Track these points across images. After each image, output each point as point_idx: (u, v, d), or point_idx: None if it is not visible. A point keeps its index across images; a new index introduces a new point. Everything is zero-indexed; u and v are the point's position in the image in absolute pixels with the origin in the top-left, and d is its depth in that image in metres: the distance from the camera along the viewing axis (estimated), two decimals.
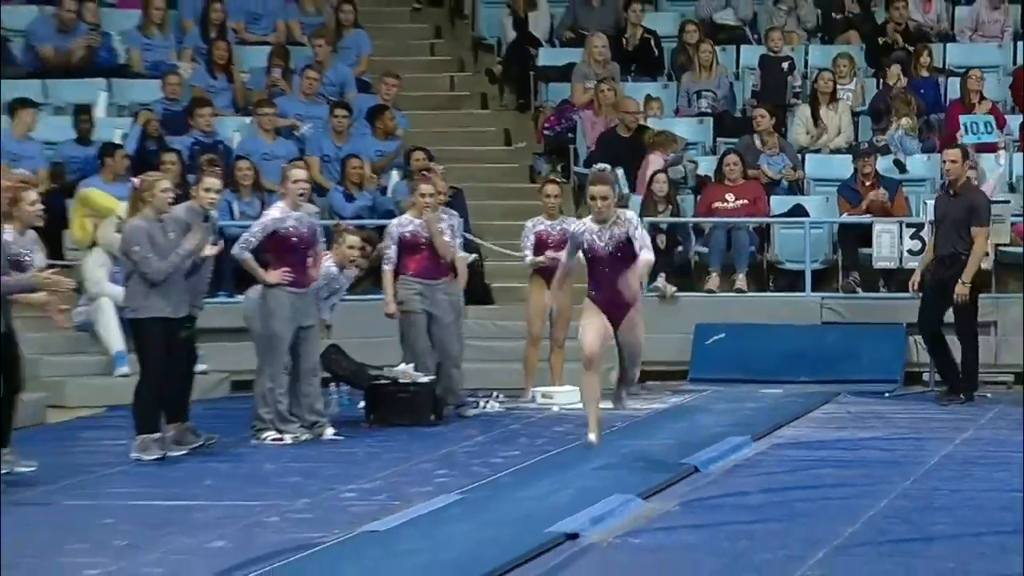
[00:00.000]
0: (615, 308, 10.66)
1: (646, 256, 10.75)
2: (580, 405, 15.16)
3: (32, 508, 11.66)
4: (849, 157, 18.57)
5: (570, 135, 20.26)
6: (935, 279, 16.02)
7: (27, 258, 11.74)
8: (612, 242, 10.49)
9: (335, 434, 14.25)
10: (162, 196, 12.52)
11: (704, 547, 9.29)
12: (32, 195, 12.11)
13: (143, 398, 13.04)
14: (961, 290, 15.45)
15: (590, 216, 10.70)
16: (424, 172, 16.23)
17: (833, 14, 22.01)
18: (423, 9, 24.45)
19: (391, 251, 13.45)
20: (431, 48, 24.14)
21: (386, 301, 14.42)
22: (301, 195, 13.75)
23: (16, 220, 11.85)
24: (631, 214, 11.10)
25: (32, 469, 12.47)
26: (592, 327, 10.88)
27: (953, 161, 16.01)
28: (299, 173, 14.28)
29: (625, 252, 10.49)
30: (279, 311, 13.82)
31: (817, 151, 19.71)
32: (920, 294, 16.26)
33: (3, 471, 12.24)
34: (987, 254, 16.18)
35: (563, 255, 11.39)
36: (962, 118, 18.32)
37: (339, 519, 10.50)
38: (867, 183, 17.66)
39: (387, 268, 14.21)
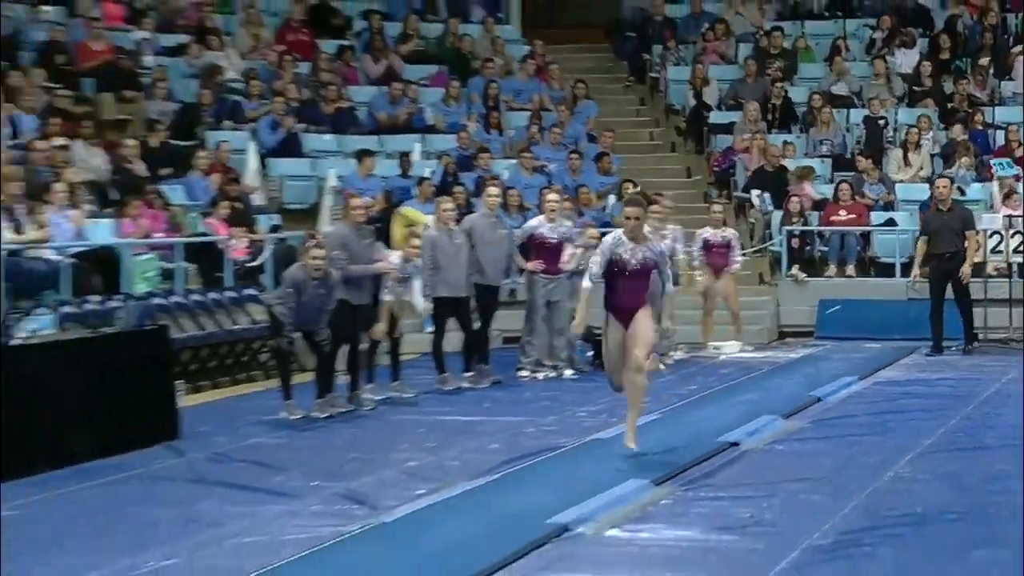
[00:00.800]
0: (628, 312, 10.99)
1: (668, 289, 12.06)
2: (740, 354, 19.61)
3: (370, 421, 14.82)
4: (926, 185, 22.14)
5: (731, 171, 24.61)
6: (940, 270, 19.02)
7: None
8: (639, 260, 10.96)
9: (572, 374, 17.45)
10: (446, 213, 16.30)
11: (826, 452, 11.83)
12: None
13: (436, 348, 16.45)
14: (967, 273, 18.79)
15: (622, 231, 11.14)
16: (639, 197, 14.74)
17: (915, 87, 25.99)
18: (632, 85, 28.86)
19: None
20: (636, 112, 28.68)
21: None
22: (552, 211, 17.10)
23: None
24: (661, 246, 11.76)
25: (412, 395, 15.88)
26: (613, 344, 11.19)
27: (945, 187, 19.49)
28: (553, 196, 17.98)
29: (646, 270, 11.05)
30: (535, 289, 17.17)
31: (904, 181, 23.62)
32: (920, 280, 19.55)
33: (392, 396, 15.68)
34: (978, 250, 19.72)
35: (590, 273, 11.30)
36: (992, 160, 22.45)
37: (575, 430, 13.39)
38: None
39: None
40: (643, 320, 10.88)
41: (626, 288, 10.92)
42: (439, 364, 16.52)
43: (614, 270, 11.00)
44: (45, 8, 25.16)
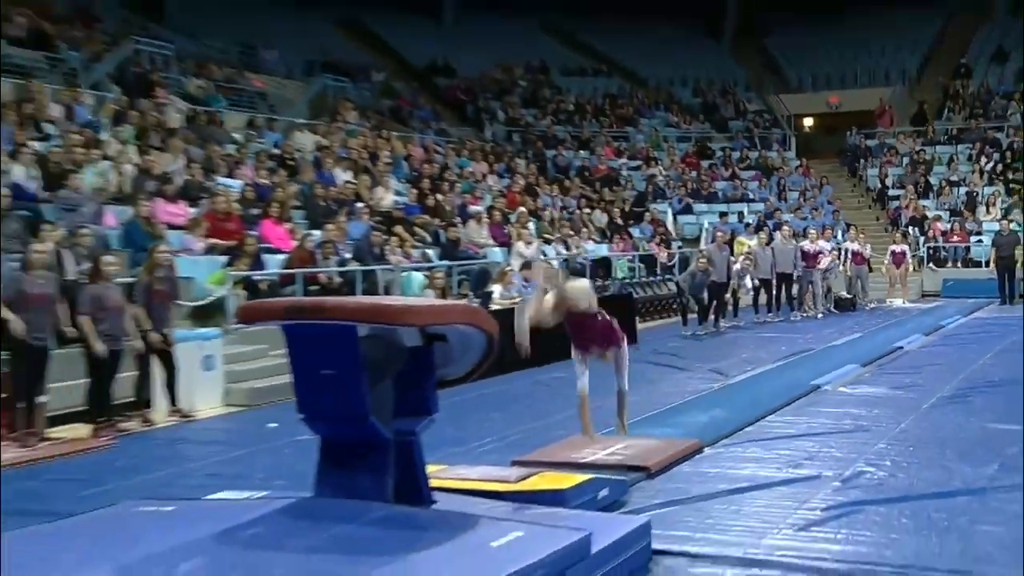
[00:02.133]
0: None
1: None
2: (904, 304, 28.16)
3: (724, 336, 21.59)
4: (997, 224, 30.88)
5: (900, 217, 33.49)
6: (1002, 265, 27.81)
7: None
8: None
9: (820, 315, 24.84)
10: (760, 239, 27.62)
11: (884, 392, 13.63)
12: None
13: (755, 303, 24.92)
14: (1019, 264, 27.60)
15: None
16: None
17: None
18: (849, 178, 38.08)
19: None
20: (852, 189, 37.47)
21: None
22: (812, 239, 27.74)
23: None
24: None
25: (742, 324, 22.97)
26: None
27: (1006, 223, 28.64)
28: (812, 231, 31.69)
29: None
30: (805, 274, 25.26)
31: (988, 220, 32.00)
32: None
33: (734, 325, 22.53)
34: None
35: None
36: None
37: (820, 341, 19.07)
38: None
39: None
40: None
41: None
42: (756, 311, 24.45)
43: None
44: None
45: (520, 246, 21.90)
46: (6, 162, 16.64)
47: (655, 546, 6.84)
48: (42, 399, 11.90)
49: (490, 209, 24.37)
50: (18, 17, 25.02)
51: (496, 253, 21.75)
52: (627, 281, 25.22)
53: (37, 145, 18.15)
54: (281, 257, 17.48)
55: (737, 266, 23.73)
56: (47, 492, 9.30)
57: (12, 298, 11.75)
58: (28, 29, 24.95)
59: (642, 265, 27.25)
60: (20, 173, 16.54)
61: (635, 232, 29.46)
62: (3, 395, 11.76)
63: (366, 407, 6.67)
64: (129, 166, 18.75)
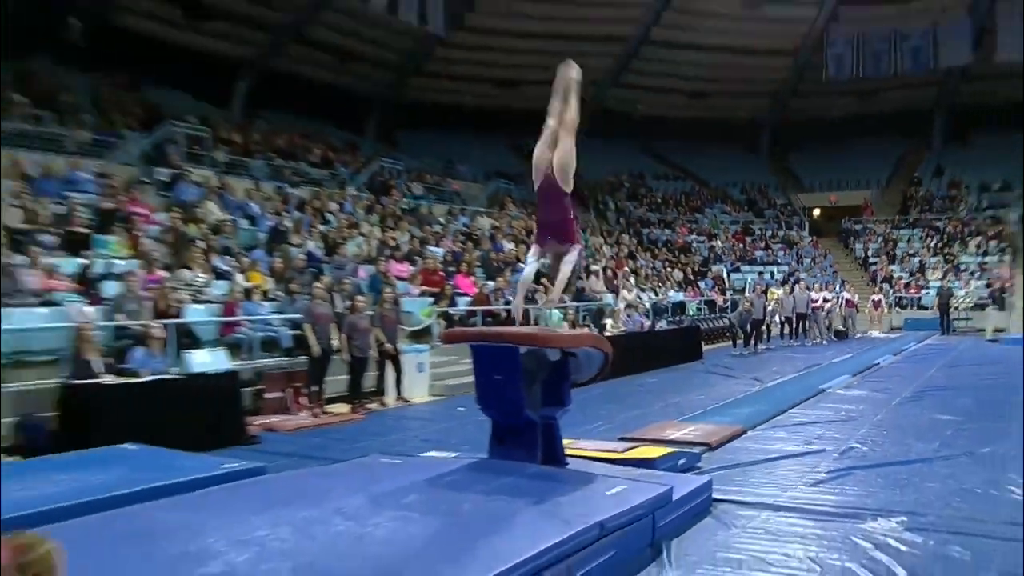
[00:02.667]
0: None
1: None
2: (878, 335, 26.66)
3: (762, 356, 20.90)
4: None
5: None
6: (942, 308, 27.62)
7: None
8: None
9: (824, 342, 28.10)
10: None
11: (866, 394, 13.26)
12: None
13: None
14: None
15: None
16: None
17: None
18: None
19: None
20: None
21: None
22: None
23: None
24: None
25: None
26: None
27: (946, 280, 28.06)
28: None
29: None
30: None
31: None
32: None
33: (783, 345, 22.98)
34: None
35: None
36: None
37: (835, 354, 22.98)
38: None
39: None
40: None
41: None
42: (782, 338, 24.26)
43: None
44: None
45: (624, 293, 21.93)
46: (303, 237, 17.08)
47: (714, 496, 6.88)
48: (316, 387, 12.26)
49: (604, 268, 24.32)
50: (315, 149, 25.95)
51: (608, 298, 21.65)
52: (696, 317, 24.84)
53: (322, 227, 18.61)
54: (467, 298, 17.60)
55: (770, 307, 23.57)
56: (325, 445, 9.59)
57: (307, 320, 12.21)
58: (320, 156, 25.74)
59: (706, 307, 26.94)
60: (312, 245, 17.03)
61: (702, 284, 29.28)
62: (301, 384, 12.13)
63: (523, 401, 6.75)
64: (374, 240, 19.12)
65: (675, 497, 6.19)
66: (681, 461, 8.00)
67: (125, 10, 25.66)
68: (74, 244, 13.22)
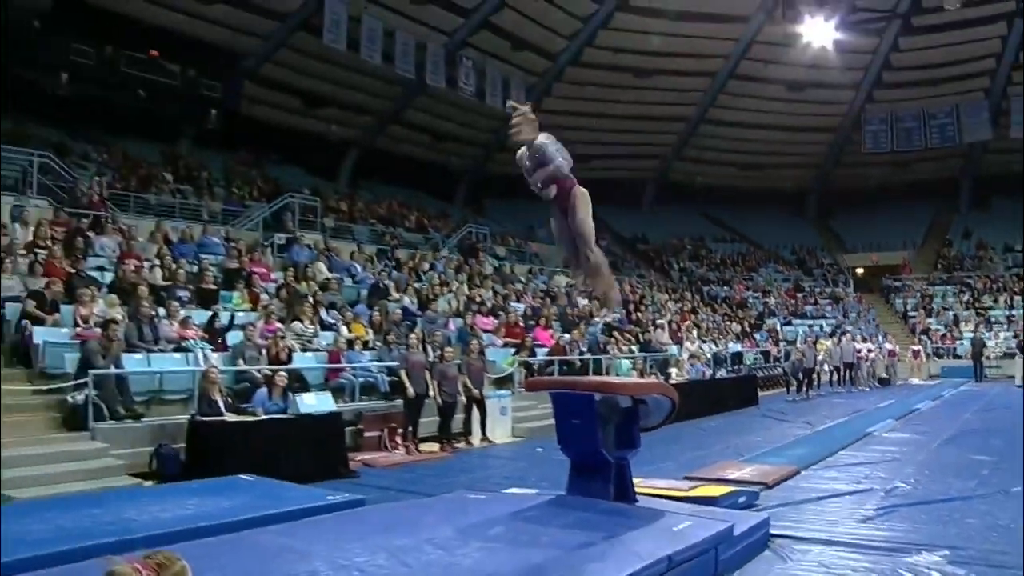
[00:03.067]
0: None
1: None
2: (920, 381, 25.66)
3: (827, 399, 20.30)
4: None
5: None
6: (975, 357, 26.61)
7: None
8: None
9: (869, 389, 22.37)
10: None
11: (908, 436, 12.72)
12: None
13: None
14: None
15: None
16: None
17: None
18: None
19: None
20: None
21: None
22: None
23: None
24: None
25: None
26: None
27: (979, 332, 26.74)
28: None
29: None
30: None
31: None
32: None
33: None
34: None
35: None
36: None
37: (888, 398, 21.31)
38: None
39: None
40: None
41: None
42: (831, 386, 23.03)
43: None
44: None
45: (687, 344, 21.59)
46: (399, 293, 17.21)
47: (772, 531, 6.71)
48: (410, 427, 12.23)
49: (669, 322, 24.02)
50: (411, 216, 26.50)
51: (673, 349, 21.32)
52: (753, 366, 24.30)
53: (416, 285, 18.71)
54: (545, 349, 17.49)
55: (819, 357, 22.78)
56: (417, 480, 9.56)
57: (403, 367, 12.24)
58: (416, 222, 26.22)
59: (761, 356, 26.30)
60: (407, 301, 17.15)
61: (757, 336, 28.67)
62: (396, 424, 12.14)
63: (598, 442, 6.69)
64: (463, 296, 19.19)
65: (736, 533, 6.04)
66: (741, 499, 7.81)
67: (254, 100, 26.81)
68: (204, 298, 13.53)
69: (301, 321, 13.59)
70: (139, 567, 2.17)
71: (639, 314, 23.82)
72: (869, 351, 24.93)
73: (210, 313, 12.77)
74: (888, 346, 26.91)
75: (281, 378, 10.39)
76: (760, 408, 18.36)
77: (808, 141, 37.16)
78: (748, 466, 9.88)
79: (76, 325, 10.92)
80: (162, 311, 11.94)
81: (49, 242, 13.14)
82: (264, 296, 14.37)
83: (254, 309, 13.82)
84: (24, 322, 10.68)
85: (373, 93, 29.24)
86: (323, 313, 14.73)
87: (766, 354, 26.96)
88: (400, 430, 11.97)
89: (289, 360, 11.95)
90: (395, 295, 17.13)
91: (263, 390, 10.22)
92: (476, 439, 13.14)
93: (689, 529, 5.81)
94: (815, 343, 24.03)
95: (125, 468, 9.04)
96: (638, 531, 5.74)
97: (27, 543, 5.14)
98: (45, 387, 9.92)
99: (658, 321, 23.41)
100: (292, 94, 27.84)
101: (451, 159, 34.37)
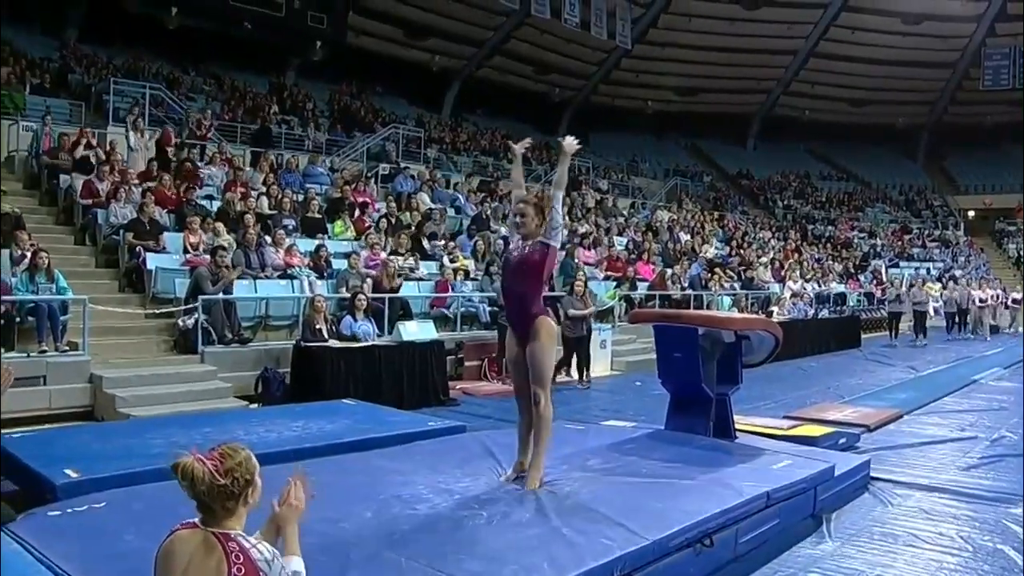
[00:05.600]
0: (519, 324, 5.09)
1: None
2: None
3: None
4: None
5: None
6: None
7: None
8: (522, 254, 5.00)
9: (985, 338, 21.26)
10: None
11: (1016, 385, 11.90)
12: None
13: None
14: None
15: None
16: None
17: None
18: None
19: None
20: None
21: None
22: None
23: None
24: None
25: None
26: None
27: None
28: None
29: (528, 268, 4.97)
30: None
31: None
32: None
33: None
34: None
35: None
36: None
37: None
38: None
39: None
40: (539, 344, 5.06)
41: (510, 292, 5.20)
42: (948, 332, 21.78)
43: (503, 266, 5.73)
44: None
45: (790, 283, 21.05)
46: (500, 224, 17.13)
47: (872, 474, 6.58)
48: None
49: (772, 259, 23.46)
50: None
51: (775, 286, 20.80)
52: (856, 308, 23.42)
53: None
54: (647, 283, 17.36)
55: (927, 301, 21.41)
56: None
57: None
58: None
59: (865, 298, 25.31)
60: (505, 232, 17.09)
61: (861, 277, 27.63)
62: (496, 354, 12.05)
63: (699, 377, 6.63)
64: (566, 229, 19.00)
65: (836, 474, 5.92)
66: (841, 440, 7.61)
67: (358, 31, 26.88)
68: (310, 227, 13.76)
69: (401, 254, 13.67)
70: (202, 457, 2.26)
71: (742, 251, 23.33)
72: (993, 298, 23.48)
73: (316, 242, 12.97)
74: (1016, 295, 25.21)
75: (362, 302, 10.47)
76: (862, 351, 17.86)
77: (923, 77, 35.78)
78: (849, 408, 9.64)
79: (186, 252, 11.26)
80: (268, 239, 12.20)
81: (160, 171, 13.48)
82: (368, 225, 14.54)
83: (358, 238, 13.99)
84: (138, 248, 11.04)
85: (476, 23, 29.15)
86: (425, 243, 14.82)
87: (869, 296, 25.89)
88: (499, 360, 11.97)
89: (398, 290, 12.05)
90: (497, 226, 17.13)
91: (347, 317, 10.35)
92: (575, 372, 12.96)
93: (788, 468, 5.70)
94: (922, 286, 23.02)
95: (233, 391, 9.30)
96: (737, 468, 5.67)
97: (144, 456, 5.47)
98: (158, 311, 10.21)
99: (761, 258, 22.88)
100: (395, 24, 27.98)
101: (555, 90, 34.14)
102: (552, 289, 12.13)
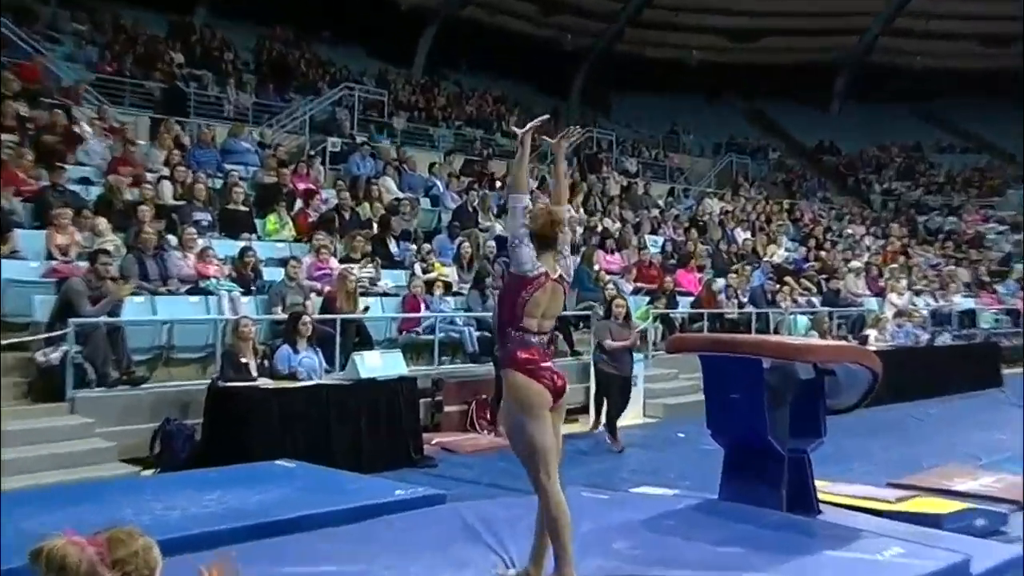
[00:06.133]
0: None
1: None
2: None
3: None
4: None
5: None
6: None
7: None
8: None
9: None
10: None
11: None
12: None
13: None
14: None
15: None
16: None
17: None
18: None
19: None
20: None
21: None
22: None
23: None
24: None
25: None
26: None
27: None
28: None
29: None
30: None
31: None
32: None
33: None
34: None
35: None
36: None
37: None
38: None
39: None
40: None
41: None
42: None
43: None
44: None
45: (893, 297, 21.03)
46: (492, 219, 17.20)
47: None
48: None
49: (867, 264, 23.32)
50: (509, 116, 26.47)
51: (871, 302, 20.74)
52: (993, 331, 23.30)
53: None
54: (691, 298, 17.37)
55: None
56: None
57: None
58: (517, 125, 25.84)
59: (1007, 317, 25.18)
60: (501, 230, 17.05)
61: (1000, 288, 27.40)
62: (487, 396, 12.05)
63: (765, 427, 6.61)
64: (579, 226, 19.03)
65: (974, 572, 5.80)
66: (979, 522, 7.52)
67: None
68: (232, 224, 13.81)
69: (357, 260, 13.60)
70: (83, 543, 2.19)
71: (824, 252, 23.32)
72: None
73: (240, 244, 12.97)
74: None
75: (306, 327, 10.45)
76: (1006, 392, 17.34)
77: None
78: (988, 475, 9.48)
79: (51, 257, 11.15)
80: (172, 240, 12.13)
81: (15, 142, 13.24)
82: (313, 222, 14.56)
83: (299, 239, 13.96)
84: None
85: None
86: (391, 245, 14.84)
87: (1013, 313, 25.67)
88: (492, 404, 11.87)
89: (362, 309, 12.09)
90: (487, 222, 17.13)
91: (284, 347, 10.29)
92: (592, 420, 12.83)
93: (899, 559, 5.65)
94: None
95: (118, 452, 9.23)
96: (821, 557, 5.64)
97: None
98: (5, 341, 9.82)
99: (851, 263, 22.80)
100: None
101: (565, 36, 34.08)
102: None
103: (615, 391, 11.98)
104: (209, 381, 10.00)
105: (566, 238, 5.16)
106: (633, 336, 12.36)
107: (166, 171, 14.64)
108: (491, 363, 12.03)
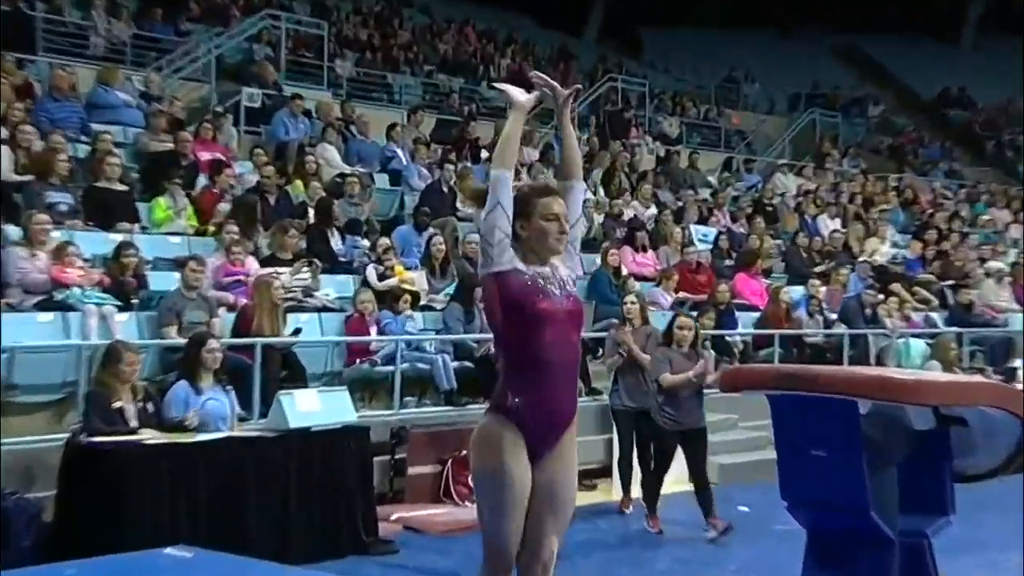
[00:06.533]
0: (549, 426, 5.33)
1: None
2: None
3: None
4: None
5: None
6: None
7: None
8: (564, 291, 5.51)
9: None
10: None
11: None
12: None
13: None
14: None
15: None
16: None
17: None
18: None
19: None
20: None
21: None
22: None
23: None
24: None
25: None
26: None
27: None
28: None
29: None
30: None
31: None
32: None
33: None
34: None
35: None
36: None
37: None
38: None
39: None
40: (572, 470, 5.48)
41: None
42: None
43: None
44: None
45: None
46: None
47: None
48: None
49: (1014, 266, 23.14)
50: (500, 58, 27.42)
51: (1019, 319, 20.53)
52: None
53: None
54: (756, 315, 17.46)
55: None
56: None
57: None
58: (509, 71, 26.26)
59: None
60: None
61: None
62: (466, 452, 12.03)
63: (866, 498, 6.43)
64: (597, 213, 19.05)
65: None
66: None
67: None
68: (103, 209, 13.72)
69: (286, 262, 13.59)
70: None
71: (948, 250, 23.31)
72: None
73: (117, 238, 12.87)
74: None
75: (213, 356, 10.35)
76: None
77: None
78: None
79: None
80: (14, 232, 12.06)
81: None
82: (223, 207, 14.49)
83: (202, 231, 13.97)
84: None
85: None
86: (333, 241, 14.88)
87: None
88: None
89: (292, 331, 12.16)
90: (470, 208, 17.08)
91: (181, 384, 10.23)
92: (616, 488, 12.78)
93: None
94: None
95: None
96: None
97: None
98: None
99: (989, 264, 22.76)
100: None
101: None
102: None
103: (668, 448, 11.73)
104: (67, 435, 9.87)
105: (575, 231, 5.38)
106: (705, 367, 11.64)
107: (3, 132, 14.49)
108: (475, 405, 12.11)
